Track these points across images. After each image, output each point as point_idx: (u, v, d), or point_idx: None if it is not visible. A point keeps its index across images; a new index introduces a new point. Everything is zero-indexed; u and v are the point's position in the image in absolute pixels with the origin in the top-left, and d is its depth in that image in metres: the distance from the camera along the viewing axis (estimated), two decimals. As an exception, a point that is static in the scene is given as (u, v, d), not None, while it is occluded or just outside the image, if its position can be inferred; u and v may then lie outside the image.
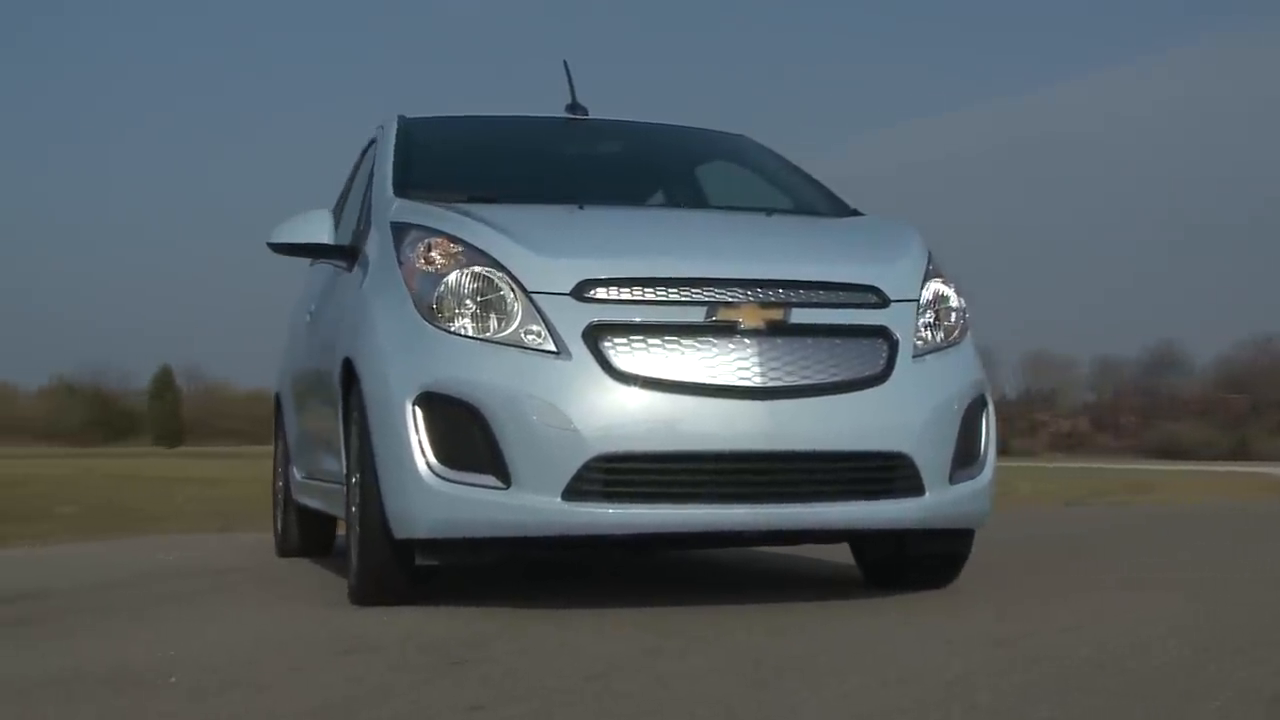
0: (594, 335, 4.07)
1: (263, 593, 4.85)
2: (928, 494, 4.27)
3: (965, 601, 4.37)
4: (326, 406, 5.14)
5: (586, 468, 3.99)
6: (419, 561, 4.23)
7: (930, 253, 4.70)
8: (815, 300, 4.28)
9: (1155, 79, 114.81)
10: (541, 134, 5.73)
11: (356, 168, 6.04)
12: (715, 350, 4.11)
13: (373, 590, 4.36)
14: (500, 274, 4.19)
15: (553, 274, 4.17)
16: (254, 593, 4.88)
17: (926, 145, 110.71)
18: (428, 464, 4.08)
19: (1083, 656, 3.26)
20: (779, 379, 4.12)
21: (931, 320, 4.51)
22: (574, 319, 4.10)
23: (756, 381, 4.10)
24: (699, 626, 3.80)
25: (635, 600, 4.41)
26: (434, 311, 4.19)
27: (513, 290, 4.16)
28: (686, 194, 5.63)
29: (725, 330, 4.13)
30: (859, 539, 4.70)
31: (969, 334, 4.62)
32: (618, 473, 4.03)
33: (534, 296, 4.14)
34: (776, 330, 4.17)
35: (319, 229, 5.03)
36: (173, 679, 3.04)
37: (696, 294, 4.17)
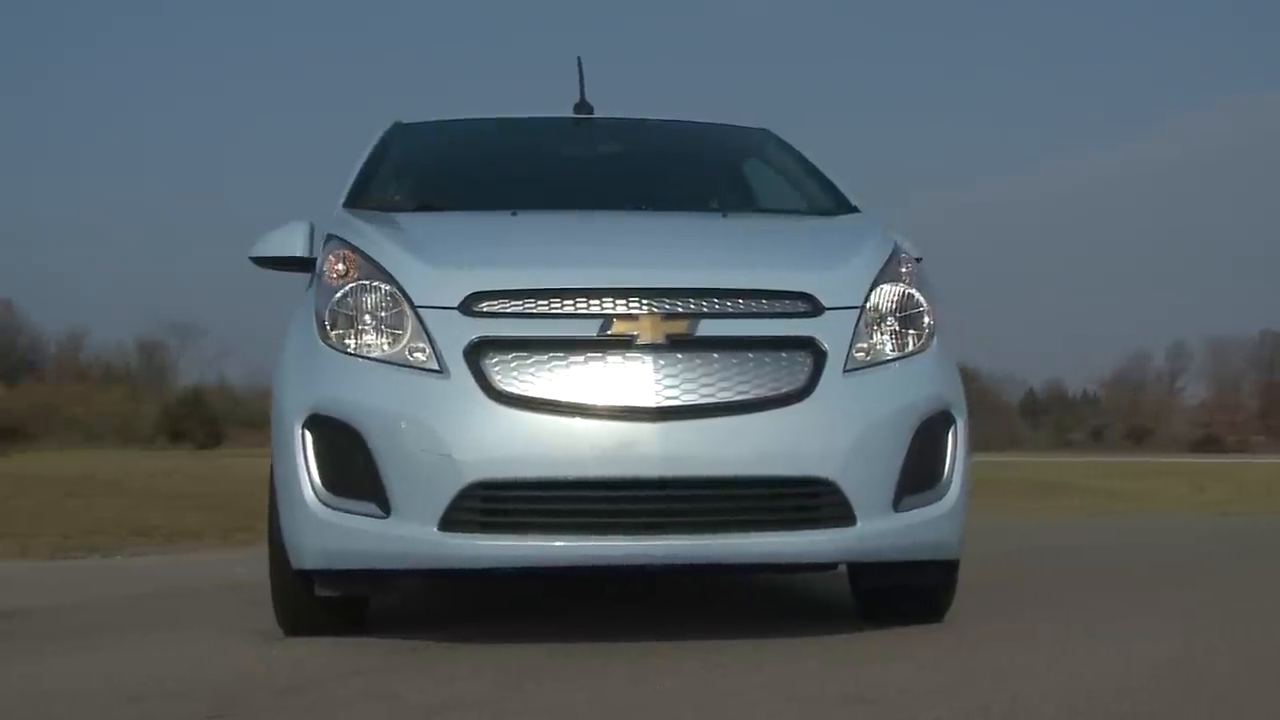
0: (476, 353, 3.78)
1: (209, 622, 4.69)
2: (860, 523, 3.82)
3: (901, 644, 3.89)
4: None
5: (462, 496, 3.71)
6: (318, 592, 4.02)
7: (896, 255, 4.21)
8: (729, 310, 3.88)
9: None
10: (537, 136, 5.46)
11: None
12: (606, 367, 3.76)
13: (290, 620, 4.18)
14: (391, 288, 3.94)
15: (442, 287, 3.89)
16: (201, 621, 4.74)
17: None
18: (314, 491, 3.86)
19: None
20: (677, 398, 3.75)
21: (893, 328, 4.05)
22: (458, 335, 3.81)
23: (651, 401, 3.74)
24: (557, 670, 3.49)
25: (564, 631, 4.11)
26: (327, 328, 3.98)
27: (402, 305, 3.91)
28: (678, 193, 5.24)
29: (619, 345, 3.78)
30: (783, 573, 4.26)
31: (934, 342, 4.12)
32: (496, 501, 3.73)
33: (421, 311, 3.87)
34: (679, 344, 3.79)
35: (294, 242, 4.84)
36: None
37: (592, 306, 3.82)
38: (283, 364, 4.11)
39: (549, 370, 3.75)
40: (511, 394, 3.73)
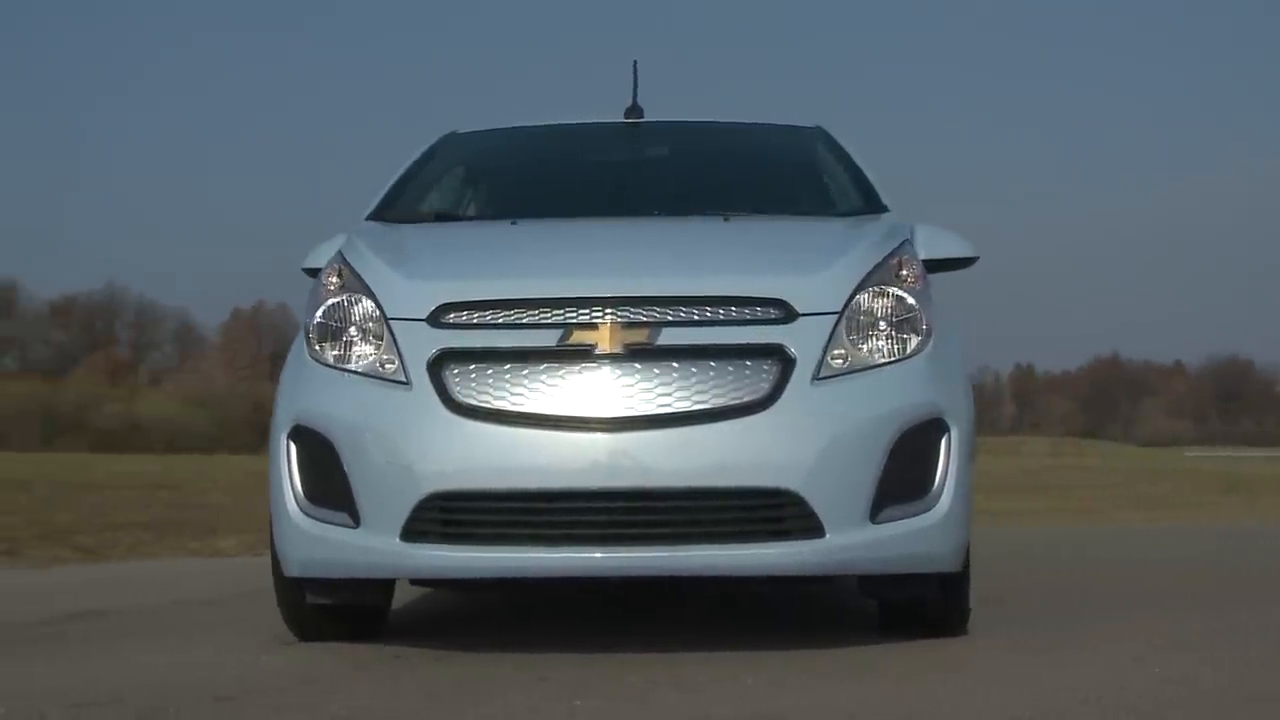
0: (438, 364, 3.80)
1: (244, 626, 4.80)
2: (830, 535, 3.70)
3: (886, 660, 3.75)
4: None
5: (421, 507, 3.73)
6: (309, 600, 4.11)
7: (894, 257, 4.06)
8: (694, 318, 3.79)
9: None
10: (582, 141, 5.45)
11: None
12: (565, 378, 3.73)
13: (296, 628, 4.28)
14: (370, 301, 3.99)
15: (414, 299, 3.92)
16: (236, 625, 4.86)
17: None
18: (296, 500, 3.95)
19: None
20: (633, 408, 3.70)
21: (883, 333, 3.91)
22: (424, 347, 3.84)
23: (608, 412, 3.69)
24: (498, 684, 3.49)
25: (557, 641, 4.10)
26: (312, 340, 4.06)
27: (379, 318, 3.95)
28: (708, 197, 5.10)
29: (578, 355, 3.74)
30: (749, 586, 4.15)
31: (928, 348, 3.94)
32: (455, 513, 3.75)
33: (393, 324, 3.91)
34: (638, 354, 3.73)
35: None
36: None
37: (553, 316, 3.80)
38: (282, 373, 4.21)
39: (508, 381, 3.75)
40: (470, 405, 3.74)
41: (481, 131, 5.49)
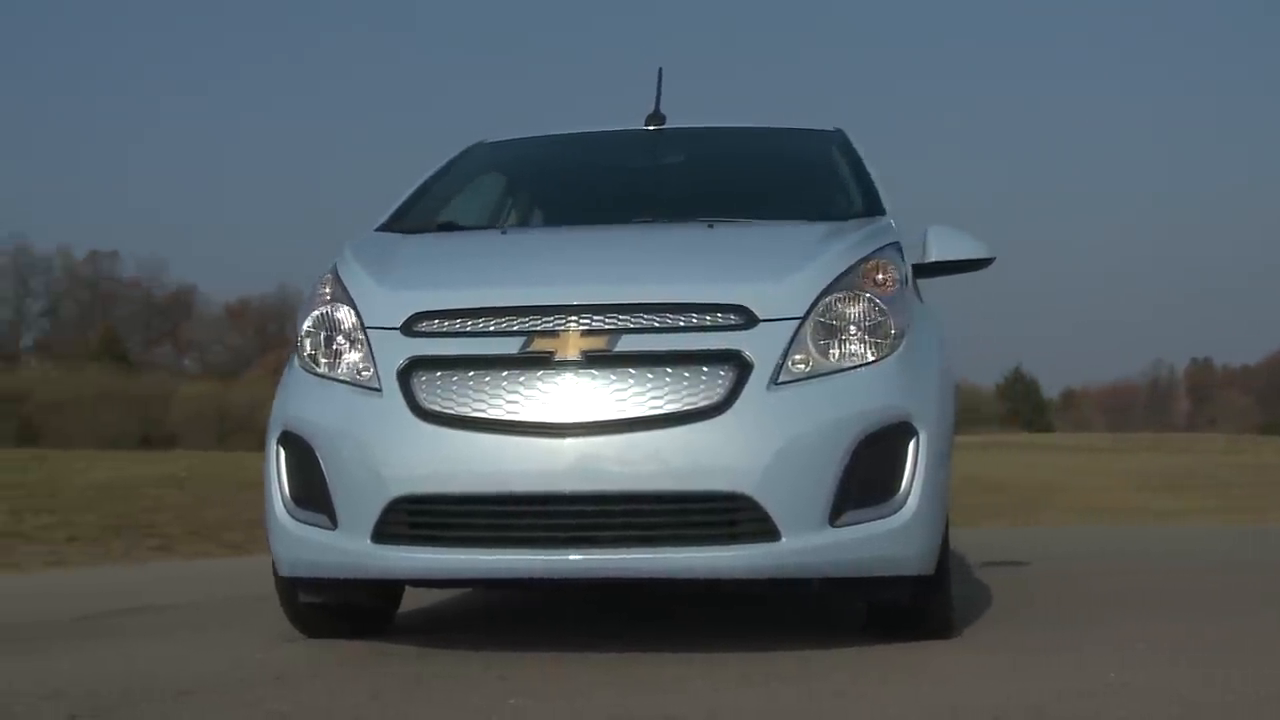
0: (407, 372, 3.93)
1: (251, 623, 4.97)
2: (786, 539, 3.73)
3: (841, 664, 3.76)
4: None
5: (389, 510, 3.86)
6: (302, 599, 4.27)
7: (868, 261, 4.08)
8: (655, 325, 3.86)
9: None
10: (600, 150, 5.53)
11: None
12: (526, 385, 3.83)
13: (299, 625, 4.44)
14: (351, 310, 4.13)
15: (390, 308, 4.06)
16: (246, 622, 5.04)
17: None
18: (284, 503, 4.11)
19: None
20: (590, 414, 3.77)
21: (853, 336, 3.93)
22: (396, 355, 3.97)
23: (566, 417, 3.78)
24: (440, 685, 3.58)
25: (543, 640, 4.19)
26: (301, 349, 4.22)
27: (358, 327, 4.09)
28: (702, 202, 5.08)
29: (538, 362, 3.83)
30: (708, 589, 4.18)
31: (898, 351, 3.95)
32: (422, 515, 3.87)
33: (370, 333, 4.05)
34: (596, 360, 3.81)
35: None
36: None
37: (518, 324, 3.90)
38: (280, 379, 4.38)
39: (472, 388, 3.85)
40: (435, 411, 3.86)
41: (506, 141, 5.63)
